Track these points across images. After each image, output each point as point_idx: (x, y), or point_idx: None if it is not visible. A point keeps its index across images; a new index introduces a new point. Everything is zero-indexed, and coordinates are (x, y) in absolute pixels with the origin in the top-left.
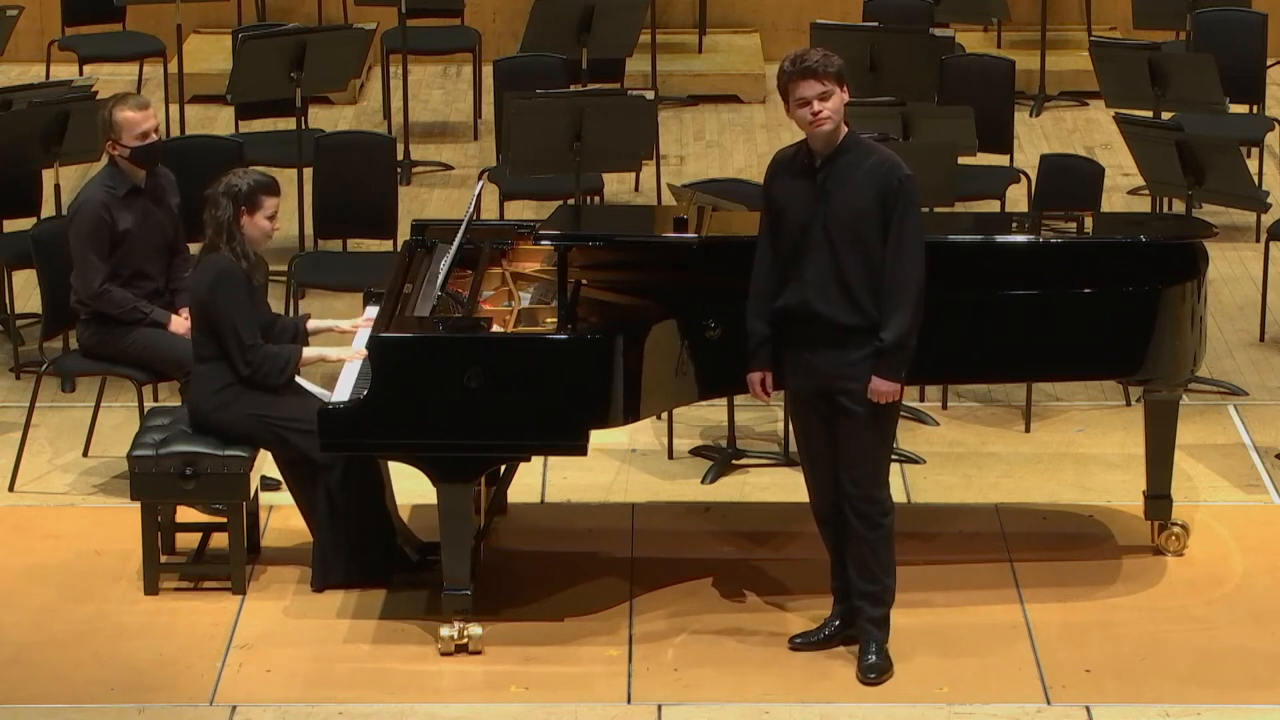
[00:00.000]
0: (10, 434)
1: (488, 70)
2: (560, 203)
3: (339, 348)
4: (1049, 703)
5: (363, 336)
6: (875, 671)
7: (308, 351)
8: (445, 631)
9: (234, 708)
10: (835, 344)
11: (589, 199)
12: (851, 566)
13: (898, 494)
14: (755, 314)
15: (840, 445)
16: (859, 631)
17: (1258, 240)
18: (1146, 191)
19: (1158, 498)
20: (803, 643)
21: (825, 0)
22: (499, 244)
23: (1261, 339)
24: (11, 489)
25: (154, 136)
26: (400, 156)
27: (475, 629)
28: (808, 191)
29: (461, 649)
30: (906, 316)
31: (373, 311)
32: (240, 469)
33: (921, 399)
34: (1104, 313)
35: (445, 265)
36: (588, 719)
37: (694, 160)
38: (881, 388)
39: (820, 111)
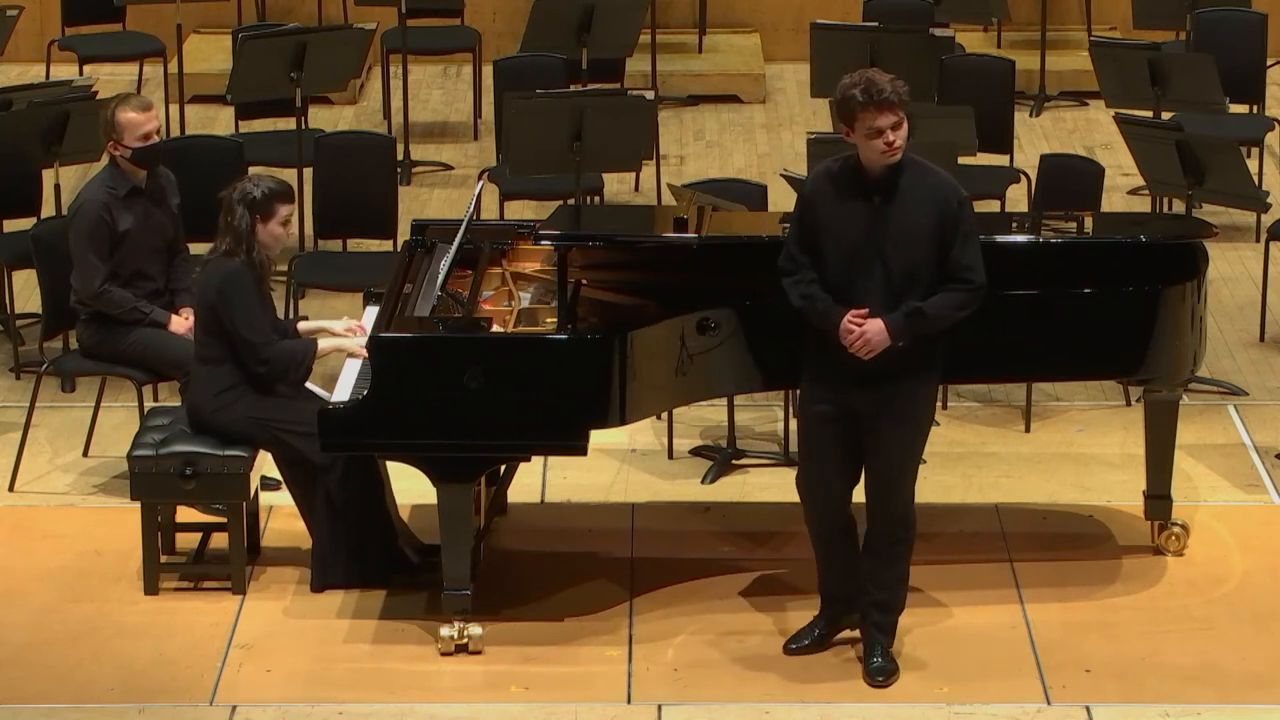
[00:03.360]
0: (10, 434)
1: (488, 70)
2: (560, 203)
3: (351, 340)
4: (1049, 703)
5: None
6: (884, 674)
7: (323, 343)
8: (445, 631)
9: (234, 708)
10: (877, 373)
11: (589, 199)
12: (867, 576)
13: None
14: (804, 291)
15: (876, 466)
16: (864, 634)
17: (1258, 240)
18: (1146, 191)
19: (1158, 498)
20: (797, 648)
21: (825, 0)
22: (499, 244)
23: (1261, 339)
24: (11, 489)
25: (155, 138)
26: (400, 156)
27: (475, 629)
28: (864, 213)
29: (461, 649)
30: (949, 305)
31: (372, 313)
32: (240, 469)
33: None
34: (1104, 313)
35: (445, 265)
36: (588, 719)
37: (694, 160)
38: (871, 329)
39: (894, 142)
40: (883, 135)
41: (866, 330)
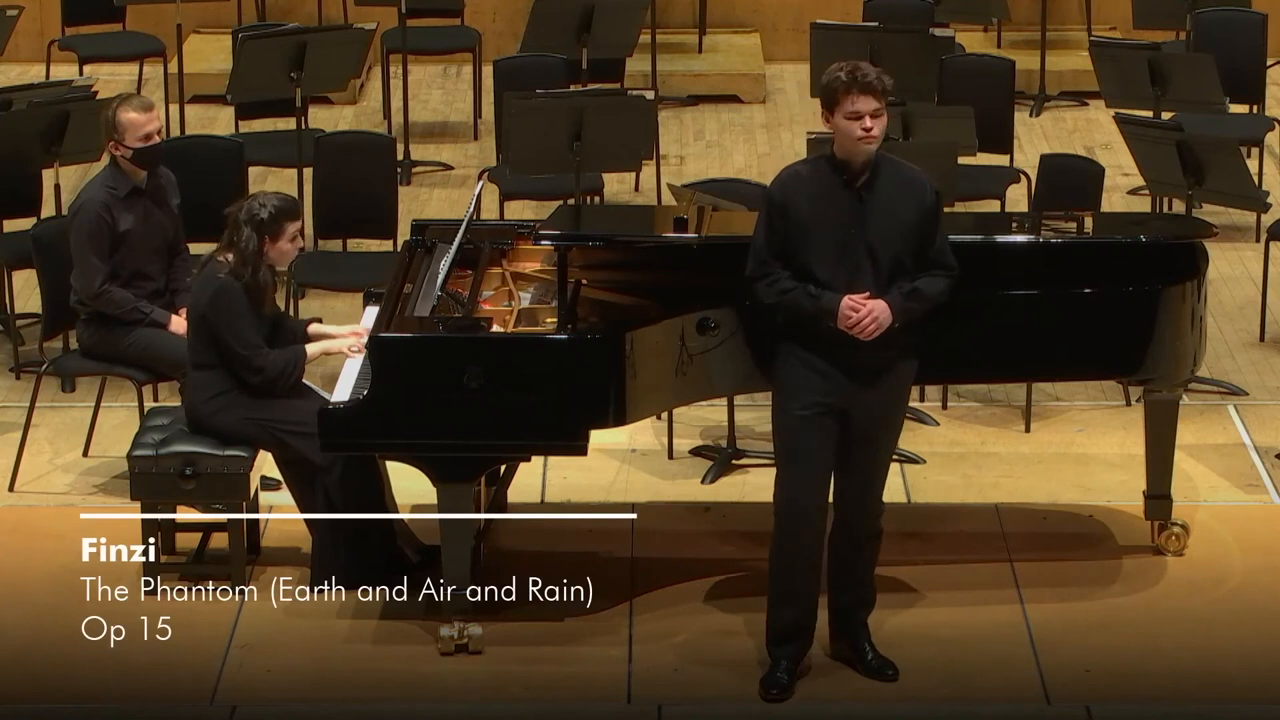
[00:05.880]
0: (10, 434)
1: (488, 70)
2: (560, 203)
3: (340, 340)
4: (1049, 703)
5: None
6: (891, 667)
7: (311, 348)
8: (445, 631)
9: (234, 708)
10: (875, 366)
11: (589, 199)
12: (854, 576)
13: (898, 494)
14: (784, 287)
15: (867, 464)
16: (851, 633)
17: (1258, 240)
18: (1146, 191)
19: (1158, 498)
20: (779, 693)
21: (825, 0)
22: (499, 244)
23: (1261, 339)
24: (11, 489)
25: (157, 138)
26: (400, 156)
27: (475, 629)
28: (848, 209)
29: (461, 649)
30: (936, 289)
31: (372, 313)
32: (240, 469)
33: (922, 399)
34: (1104, 313)
35: (445, 265)
36: (588, 719)
37: (694, 160)
38: (876, 307)
39: (871, 129)
40: (861, 120)
41: (873, 309)
